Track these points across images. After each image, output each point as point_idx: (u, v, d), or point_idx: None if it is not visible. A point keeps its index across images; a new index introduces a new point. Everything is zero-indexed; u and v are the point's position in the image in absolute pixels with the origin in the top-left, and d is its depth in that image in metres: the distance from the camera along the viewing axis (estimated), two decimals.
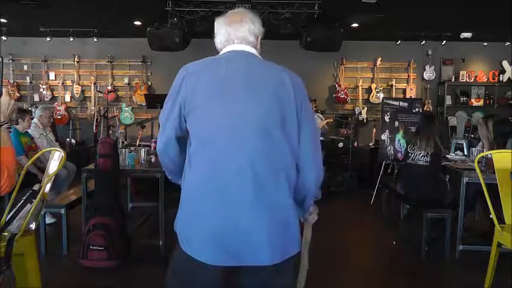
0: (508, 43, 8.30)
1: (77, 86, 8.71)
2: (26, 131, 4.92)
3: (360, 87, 8.74)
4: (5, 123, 1.55)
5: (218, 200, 1.47)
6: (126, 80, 8.78)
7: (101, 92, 8.42)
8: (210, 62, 1.57)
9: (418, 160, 4.30)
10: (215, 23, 1.68)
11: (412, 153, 4.36)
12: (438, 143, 4.29)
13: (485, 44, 8.40)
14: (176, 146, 1.59)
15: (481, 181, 2.95)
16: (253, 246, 1.47)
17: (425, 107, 8.18)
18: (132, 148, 4.67)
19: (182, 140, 1.59)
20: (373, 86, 8.70)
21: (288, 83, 1.51)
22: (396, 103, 6.16)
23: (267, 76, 1.53)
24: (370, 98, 8.72)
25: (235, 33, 1.59)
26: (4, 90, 1.59)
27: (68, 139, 8.31)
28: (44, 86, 8.67)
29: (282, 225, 1.50)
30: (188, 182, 1.55)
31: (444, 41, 8.27)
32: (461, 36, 7.83)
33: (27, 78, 8.75)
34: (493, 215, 2.94)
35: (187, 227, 1.55)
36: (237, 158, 1.46)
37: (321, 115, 7.38)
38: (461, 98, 8.55)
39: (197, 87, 1.49)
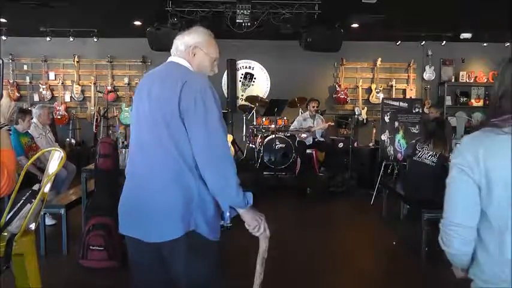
0: (508, 44, 8.30)
1: (77, 86, 8.72)
2: (26, 131, 4.91)
3: (360, 88, 8.75)
4: (5, 125, 1.55)
5: (128, 179, 1.83)
6: (126, 80, 8.78)
7: (100, 92, 8.43)
8: (150, 72, 1.92)
9: (425, 159, 4.35)
10: None
11: (420, 151, 4.42)
12: (448, 147, 4.37)
13: (485, 44, 8.41)
14: None
15: None
16: (140, 221, 1.73)
17: (425, 107, 8.17)
18: None
19: None
20: (373, 86, 8.71)
21: (178, 90, 1.64)
22: (396, 103, 6.16)
23: (165, 83, 1.72)
24: (370, 98, 8.73)
25: (173, 46, 1.88)
26: (4, 92, 1.59)
27: (67, 139, 8.31)
28: (43, 86, 8.67)
29: (160, 209, 1.68)
30: None
31: (444, 42, 8.28)
32: (461, 37, 7.84)
33: (27, 78, 8.76)
34: None
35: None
36: (139, 145, 1.79)
37: (321, 116, 7.38)
38: (461, 99, 8.57)
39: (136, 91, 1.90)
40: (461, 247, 1.22)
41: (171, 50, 1.89)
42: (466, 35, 7.76)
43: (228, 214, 1.70)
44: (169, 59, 1.87)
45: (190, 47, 1.84)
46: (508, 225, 1.12)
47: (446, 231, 1.23)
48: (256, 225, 1.74)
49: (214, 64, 1.92)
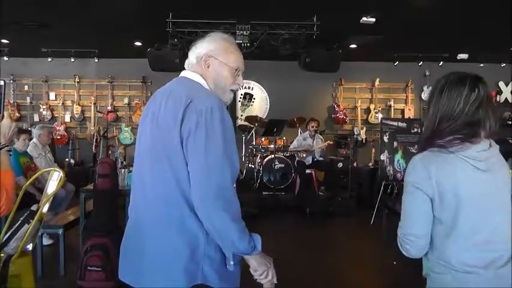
0: (504, 64, 8.39)
1: (77, 106, 8.76)
2: (26, 151, 4.91)
3: (359, 108, 8.80)
4: (6, 146, 1.55)
5: (131, 217, 1.58)
6: (126, 100, 8.83)
7: (100, 112, 8.46)
8: (158, 90, 1.60)
9: None
10: None
11: None
12: None
13: (481, 65, 8.48)
14: None
15: None
16: (137, 270, 1.48)
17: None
18: (131, 168, 4.65)
19: None
20: (372, 106, 8.76)
21: (181, 111, 1.38)
22: (395, 123, 6.18)
23: (168, 104, 1.45)
24: (369, 118, 8.76)
25: (187, 59, 1.61)
26: (5, 113, 1.60)
27: (66, 159, 8.30)
28: (44, 106, 8.71)
29: (160, 258, 1.42)
30: None
31: (441, 62, 8.36)
32: (458, 58, 7.93)
33: (28, 98, 8.80)
34: None
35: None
36: (141, 179, 1.51)
37: (320, 136, 7.40)
38: None
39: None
40: (418, 252, 1.52)
41: (185, 64, 1.60)
42: (463, 56, 7.85)
43: (232, 263, 1.42)
44: (181, 73, 1.59)
45: (202, 57, 1.53)
46: (454, 225, 1.38)
47: (406, 240, 1.50)
48: (264, 270, 1.46)
49: (236, 75, 1.61)
